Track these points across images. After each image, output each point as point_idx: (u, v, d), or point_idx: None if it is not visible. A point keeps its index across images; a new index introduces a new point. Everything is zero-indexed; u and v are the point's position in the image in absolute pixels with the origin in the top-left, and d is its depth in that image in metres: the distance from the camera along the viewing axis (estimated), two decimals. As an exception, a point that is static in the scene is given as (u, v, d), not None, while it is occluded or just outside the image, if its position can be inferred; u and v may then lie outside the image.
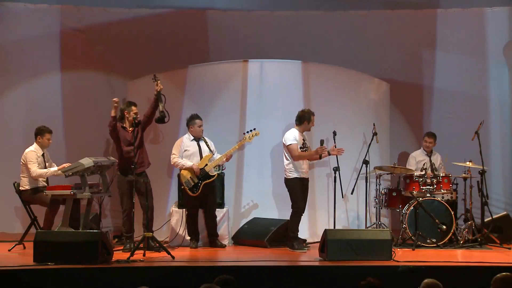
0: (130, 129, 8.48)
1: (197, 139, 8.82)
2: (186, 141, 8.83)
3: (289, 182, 8.61)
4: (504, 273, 4.73)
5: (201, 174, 8.64)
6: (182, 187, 8.72)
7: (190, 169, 8.65)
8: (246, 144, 9.05)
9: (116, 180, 8.53)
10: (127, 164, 8.32)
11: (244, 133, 8.82)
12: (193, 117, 8.82)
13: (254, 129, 8.78)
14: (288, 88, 9.46)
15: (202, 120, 8.83)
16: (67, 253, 7.11)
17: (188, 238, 8.77)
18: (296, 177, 8.54)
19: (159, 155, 9.20)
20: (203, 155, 8.74)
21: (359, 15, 10.70)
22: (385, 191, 9.30)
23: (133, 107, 8.56)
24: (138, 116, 8.51)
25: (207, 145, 8.81)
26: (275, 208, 9.32)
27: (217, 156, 8.78)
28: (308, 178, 8.70)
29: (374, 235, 7.72)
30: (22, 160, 8.58)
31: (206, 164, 8.67)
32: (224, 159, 8.72)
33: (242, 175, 9.35)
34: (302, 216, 8.57)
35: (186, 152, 8.77)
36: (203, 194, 8.66)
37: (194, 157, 8.75)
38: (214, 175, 8.70)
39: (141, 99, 8.96)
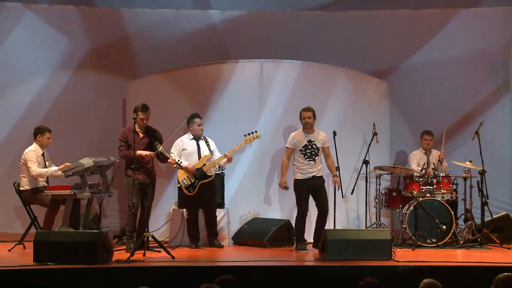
0: (142, 135, 8.45)
1: (197, 138, 8.79)
2: (186, 140, 8.79)
3: (293, 183, 8.61)
4: (506, 273, 4.72)
5: (198, 174, 8.62)
6: (179, 185, 8.73)
7: (186, 169, 8.62)
8: (247, 146, 9.02)
9: (118, 179, 8.52)
10: (137, 163, 8.23)
11: (245, 135, 8.70)
12: (193, 116, 8.78)
13: (256, 131, 8.75)
14: (288, 88, 9.46)
15: (201, 119, 8.81)
16: (67, 253, 7.10)
17: (188, 238, 8.76)
18: (298, 179, 8.53)
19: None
20: (202, 155, 8.70)
21: (359, 15, 10.69)
22: (385, 191, 9.30)
23: (139, 113, 8.36)
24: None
25: (207, 145, 8.78)
26: (275, 208, 9.34)
27: (216, 156, 8.76)
28: (314, 176, 8.49)
29: (374, 235, 7.71)
30: (22, 160, 8.56)
31: (204, 164, 8.64)
32: (224, 160, 8.66)
33: (242, 175, 9.35)
34: (305, 218, 8.52)
35: (185, 152, 8.73)
36: (203, 194, 8.63)
37: (192, 157, 8.71)
38: (212, 175, 8.67)
39: (140, 99, 8.92)
